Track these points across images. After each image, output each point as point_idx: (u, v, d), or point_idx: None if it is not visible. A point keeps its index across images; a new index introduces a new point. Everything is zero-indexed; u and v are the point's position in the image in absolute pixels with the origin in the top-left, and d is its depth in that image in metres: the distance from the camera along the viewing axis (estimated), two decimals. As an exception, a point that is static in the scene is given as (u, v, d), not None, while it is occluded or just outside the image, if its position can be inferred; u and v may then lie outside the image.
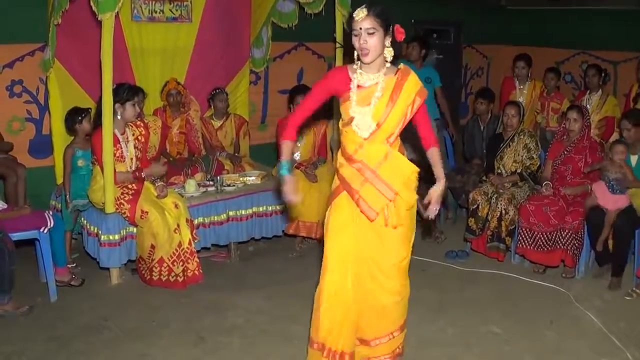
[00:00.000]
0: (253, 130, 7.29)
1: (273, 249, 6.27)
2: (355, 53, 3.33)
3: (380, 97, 3.36)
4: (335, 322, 3.56)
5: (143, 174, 5.28)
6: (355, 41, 3.26)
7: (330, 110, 5.99)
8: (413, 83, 3.39)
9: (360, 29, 3.22)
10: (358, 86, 3.38)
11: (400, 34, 3.33)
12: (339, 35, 6.14)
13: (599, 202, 5.39)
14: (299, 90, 6.28)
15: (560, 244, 5.47)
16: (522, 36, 9.72)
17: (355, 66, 3.40)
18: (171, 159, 6.41)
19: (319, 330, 3.59)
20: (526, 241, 5.60)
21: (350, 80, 3.40)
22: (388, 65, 3.38)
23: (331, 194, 3.64)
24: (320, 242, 6.17)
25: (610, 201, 5.34)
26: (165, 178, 5.93)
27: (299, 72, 8.00)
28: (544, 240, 5.52)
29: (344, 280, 3.54)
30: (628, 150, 5.45)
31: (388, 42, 3.30)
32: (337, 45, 6.25)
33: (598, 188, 5.44)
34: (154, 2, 6.47)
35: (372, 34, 3.22)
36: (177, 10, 6.63)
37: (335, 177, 3.62)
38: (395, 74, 3.40)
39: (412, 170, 3.48)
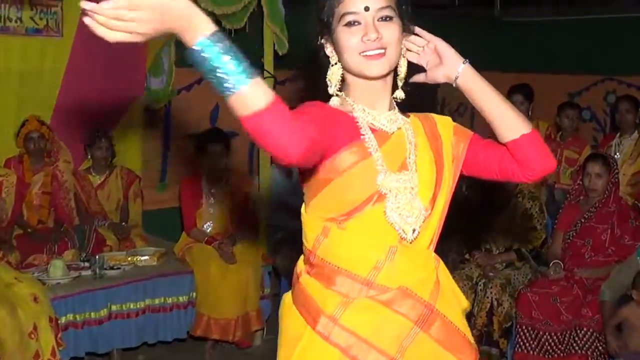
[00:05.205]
0: (148, 190, 7.25)
1: (174, 359, 6.20)
2: (334, 76, 2.46)
3: (415, 152, 2.49)
4: None
5: None
6: (347, 35, 2.36)
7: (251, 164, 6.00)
8: (443, 122, 2.63)
9: (367, 9, 2.34)
10: (373, 130, 2.41)
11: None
12: (267, 60, 6.19)
13: None
14: (213, 136, 6.30)
15: (577, 349, 5.53)
16: (521, 58, 9.73)
17: (338, 100, 2.50)
18: (29, 230, 6.31)
19: None
20: (528, 344, 5.65)
21: (355, 120, 2.42)
22: (400, 95, 2.54)
23: None
24: (240, 347, 6.16)
25: None
26: (19, 257, 5.85)
27: (213, 110, 7.97)
28: (553, 344, 5.58)
29: None
30: None
31: (404, 43, 2.51)
32: (266, 74, 6.30)
33: None
34: (7, 7, 6.39)
35: (389, 19, 2.37)
36: (41, 20, 6.58)
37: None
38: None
39: (468, 304, 2.69)
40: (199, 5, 5.52)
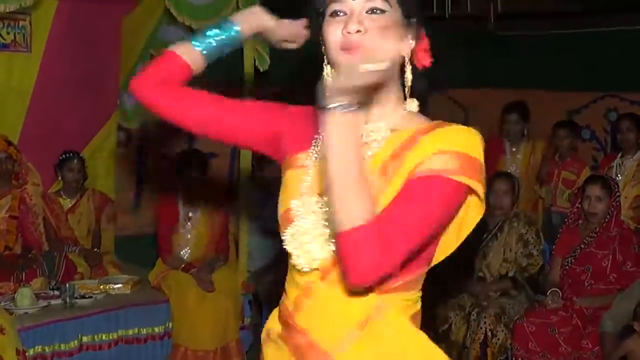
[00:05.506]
0: (121, 214, 7.22)
1: (149, 393, 6.11)
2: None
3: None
4: None
5: None
6: (330, 27, 2.14)
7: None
8: (436, 135, 2.11)
9: None
10: None
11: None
12: (247, 76, 6.15)
13: None
14: (191, 157, 6.25)
15: (577, 382, 5.51)
16: (517, 74, 9.63)
17: None
18: (-5, 256, 6.23)
19: None
20: (524, 377, 5.61)
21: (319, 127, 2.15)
22: (410, 106, 2.32)
23: None
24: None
25: None
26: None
27: (190, 129, 7.95)
28: (550, 377, 5.53)
29: None
30: None
31: (410, 44, 2.24)
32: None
33: None
34: (-28, 21, 6.39)
35: (380, 12, 2.10)
36: (8, 34, 6.54)
37: None
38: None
39: None
40: (175, 19, 5.51)
